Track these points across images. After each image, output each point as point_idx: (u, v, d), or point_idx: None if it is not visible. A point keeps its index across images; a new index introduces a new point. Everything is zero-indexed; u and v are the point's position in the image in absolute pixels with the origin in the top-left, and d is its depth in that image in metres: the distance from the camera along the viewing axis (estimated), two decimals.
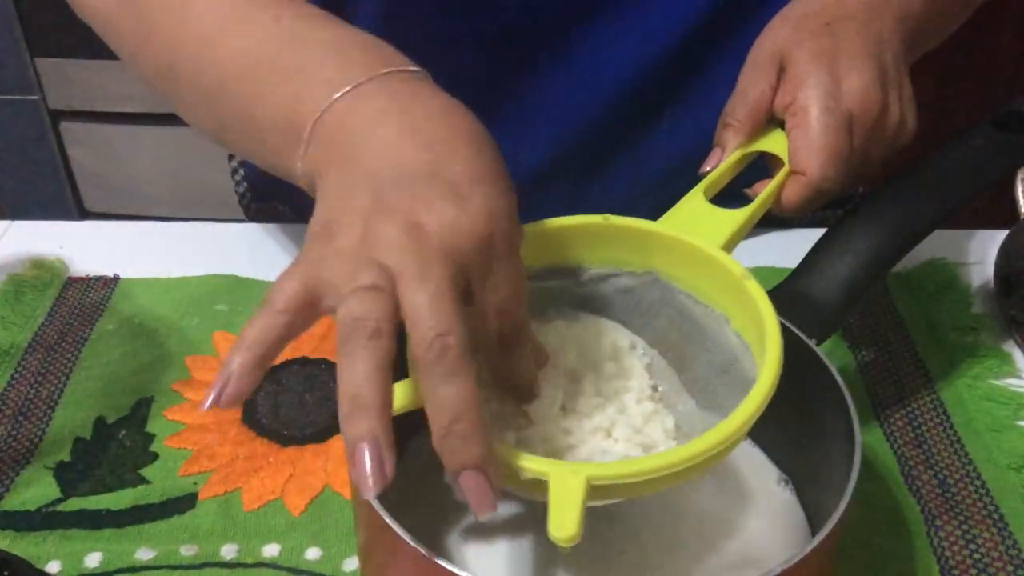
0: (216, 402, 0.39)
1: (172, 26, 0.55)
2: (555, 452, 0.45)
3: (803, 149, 0.55)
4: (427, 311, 0.37)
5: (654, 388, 0.50)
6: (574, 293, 0.52)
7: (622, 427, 0.47)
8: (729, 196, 0.55)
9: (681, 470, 0.41)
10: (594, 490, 0.39)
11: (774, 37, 0.59)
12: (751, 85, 0.58)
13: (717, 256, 0.49)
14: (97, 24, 0.63)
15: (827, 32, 0.58)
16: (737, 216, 0.52)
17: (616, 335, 0.51)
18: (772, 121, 0.58)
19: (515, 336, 0.42)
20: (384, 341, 0.37)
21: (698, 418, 0.50)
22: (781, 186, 0.56)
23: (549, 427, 0.46)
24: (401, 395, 0.41)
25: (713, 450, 0.41)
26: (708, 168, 0.57)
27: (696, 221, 0.51)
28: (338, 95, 0.46)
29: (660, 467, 0.40)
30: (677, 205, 0.52)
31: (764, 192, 0.55)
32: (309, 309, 0.39)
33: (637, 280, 0.51)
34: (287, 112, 0.48)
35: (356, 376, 0.37)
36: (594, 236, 0.50)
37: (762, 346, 0.45)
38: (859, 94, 0.56)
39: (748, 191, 0.56)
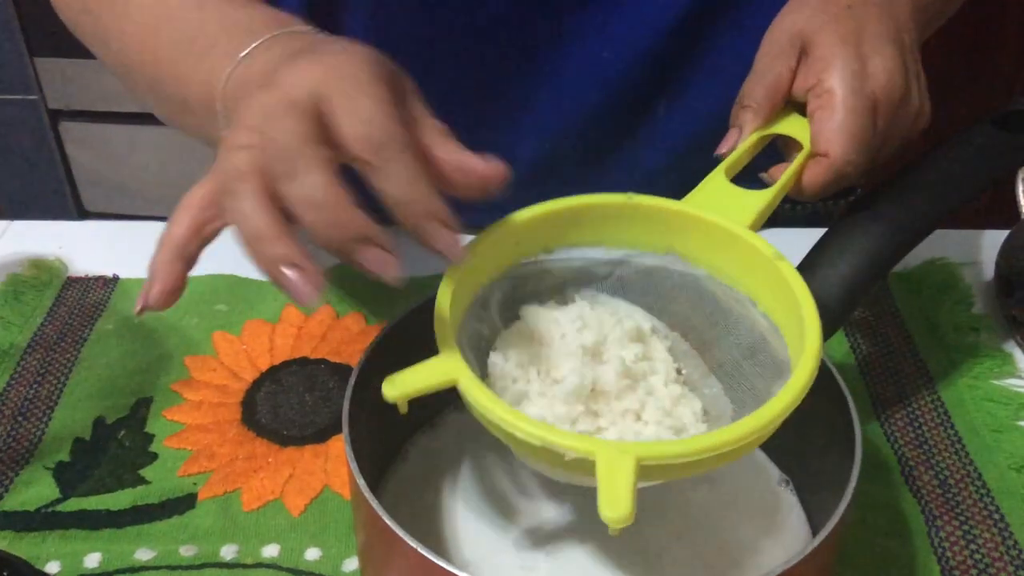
0: (145, 303, 0.43)
1: (118, 25, 0.61)
2: (584, 434, 0.45)
3: (827, 131, 0.54)
4: (281, 142, 0.41)
5: (678, 371, 0.49)
6: (593, 274, 0.51)
7: (652, 409, 0.46)
8: (744, 180, 0.54)
9: (727, 451, 0.41)
10: (641, 470, 0.39)
11: (794, 19, 0.58)
12: (770, 66, 0.57)
13: (746, 236, 0.48)
14: (73, 30, 0.68)
15: (850, 15, 0.57)
16: (763, 196, 0.51)
17: (637, 316, 0.50)
18: (789, 104, 0.58)
19: (385, 140, 0.42)
20: (255, 181, 0.41)
21: (725, 402, 0.49)
22: (801, 169, 0.55)
23: (576, 409, 0.45)
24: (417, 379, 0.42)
25: (757, 433, 0.41)
26: (724, 150, 0.56)
27: (720, 202, 0.50)
28: (234, 64, 0.51)
29: (709, 447, 0.40)
30: (699, 186, 0.51)
31: (786, 174, 0.54)
32: (213, 206, 0.43)
33: (657, 261, 0.50)
34: (206, 90, 0.53)
35: (246, 218, 0.41)
36: (616, 215, 0.50)
37: (795, 327, 0.45)
38: (884, 78, 0.55)
39: (765, 176, 0.55)
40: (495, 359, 0.47)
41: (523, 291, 0.50)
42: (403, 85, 0.46)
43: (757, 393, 0.47)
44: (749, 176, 0.55)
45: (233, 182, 0.41)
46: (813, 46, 0.56)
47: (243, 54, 0.51)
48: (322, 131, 0.42)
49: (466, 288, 0.47)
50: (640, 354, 0.48)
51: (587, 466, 0.39)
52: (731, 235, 0.49)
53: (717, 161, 0.54)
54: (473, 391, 0.42)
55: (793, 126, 0.57)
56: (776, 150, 0.58)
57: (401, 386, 0.42)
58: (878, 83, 0.55)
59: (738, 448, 0.41)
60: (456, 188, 0.45)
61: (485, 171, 0.44)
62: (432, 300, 0.45)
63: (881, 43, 0.56)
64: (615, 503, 0.37)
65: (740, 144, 0.56)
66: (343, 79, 0.43)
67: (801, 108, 0.57)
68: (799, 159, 0.55)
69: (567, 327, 0.48)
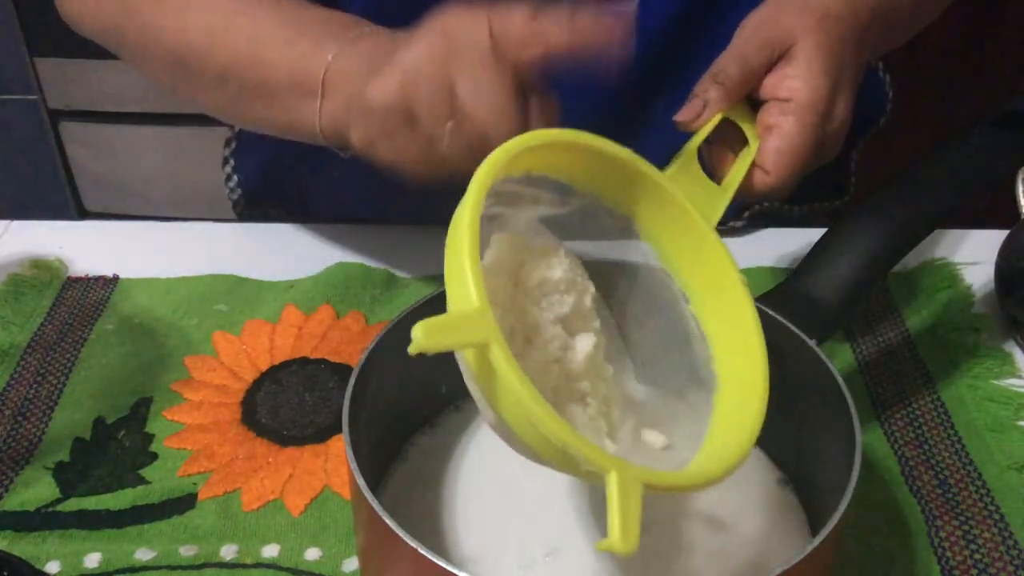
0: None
1: (176, 25, 0.63)
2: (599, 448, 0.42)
3: (777, 154, 0.55)
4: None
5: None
6: (553, 212, 0.48)
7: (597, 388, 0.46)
8: None
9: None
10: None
11: (788, 19, 0.58)
12: (753, 52, 0.57)
13: (713, 239, 0.48)
14: (98, 36, 0.69)
15: (840, 43, 0.57)
16: (726, 195, 0.52)
17: (571, 265, 0.48)
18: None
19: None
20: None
21: (638, 389, 0.49)
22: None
23: (552, 375, 0.45)
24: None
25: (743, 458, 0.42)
26: (684, 118, 0.55)
27: (691, 187, 0.50)
28: (332, 56, 0.57)
29: (707, 480, 0.41)
30: (674, 165, 0.51)
31: (737, 177, 0.54)
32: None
33: (613, 222, 0.49)
34: (297, 73, 0.58)
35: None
36: (598, 160, 0.48)
37: (737, 348, 0.45)
38: (839, 122, 0.57)
39: (703, 147, 0.55)
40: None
41: (496, 209, 0.47)
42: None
43: (669, 391, 0.47)
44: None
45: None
46: (796, 57, 0.56)
47: (332, 54, 0.57)
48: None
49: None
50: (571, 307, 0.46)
51: (591, 476, 0.39)
52: (695, 228, 0.48)
53: (683, 134, 0.54)
54: (504, 366, 0.38)
55: (743, 118, 0.57)
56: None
57: (436, 337, 0.37)
58: (833, 125, 0.57)
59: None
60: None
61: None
62: (432, 300, 0.44)
63: (851, 87, 0.58)
64: (627, 532, 0.37)
65: (707, 123, 0.55)
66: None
67: (754, 100, 0.57)
68: (745, 163, 0.55)
69: (559, 286, 0.46)
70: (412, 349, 0.37)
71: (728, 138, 0.56)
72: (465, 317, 0.38)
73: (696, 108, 0.56)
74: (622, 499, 0.37)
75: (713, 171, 0.54)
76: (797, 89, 0.56)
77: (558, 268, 0.46)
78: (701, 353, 0.48)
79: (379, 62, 0.53)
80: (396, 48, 0.52)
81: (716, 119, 0.55)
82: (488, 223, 0.44)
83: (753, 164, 0.55)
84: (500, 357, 0.38)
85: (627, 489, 0.37)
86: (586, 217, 0.49)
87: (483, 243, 0.44)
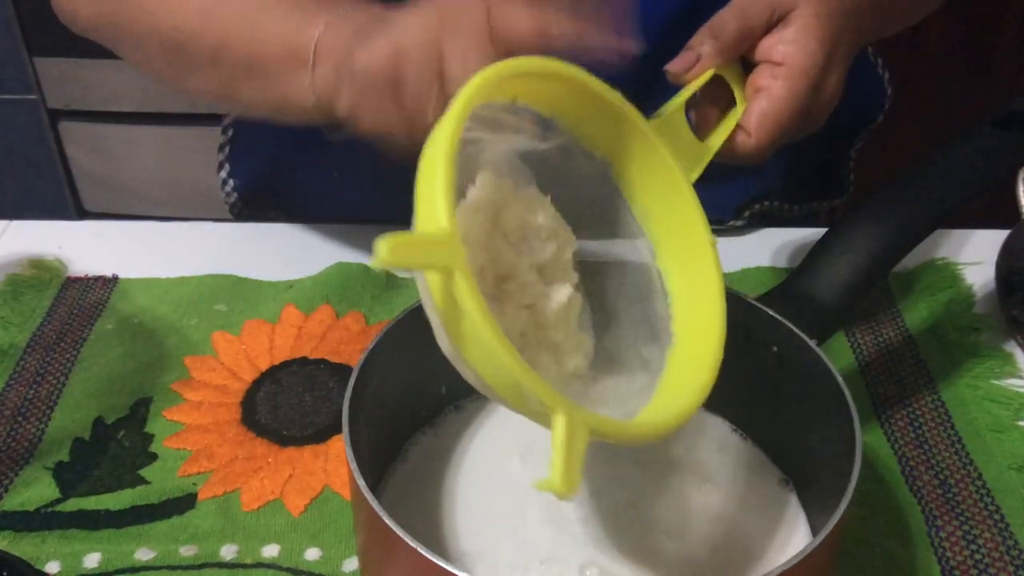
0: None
1: (170, 6, 0.63)
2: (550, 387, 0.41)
3: (763, 116, 0.55)
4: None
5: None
6: (533, 147, 0.47)
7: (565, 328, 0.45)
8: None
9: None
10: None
11: None
12: (754, 11, 0.56)
13: (691, 200, 0.48)
14: (92, 29, 0.69)
15: (839, 17, 0.57)
16: (707, 152, 0.52)
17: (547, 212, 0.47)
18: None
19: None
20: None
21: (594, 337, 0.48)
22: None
23: (521, 319, 0.44)
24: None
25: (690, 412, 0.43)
26: (676, 69, 0.55)
27: (675, 137, 0.50)
28: (324, 25, 0.56)
29: (652, 432, 0.41)
30: (662, 114, 0.50)
31: (721, 136, 0.54)
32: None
33: (590, 165, 0.48)
34: (289, 45, 0.58)
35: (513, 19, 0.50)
36: (583, 98, 0.46)
37: (691, 308, 0.46)
38: (828, 96, 0.57)
39: (688, 101, 0.54)
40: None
41: (475, 133, 0.45)
42: None
43: (626, 342, 0.47)
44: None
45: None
46: (794, 23, 0.56)
47: (327, 21, 0.56)
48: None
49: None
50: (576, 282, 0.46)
51: (540, 414, 0.38)
52: (674, 183, 0.48)
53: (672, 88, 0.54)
54: (466, 295, 0.37)
55: (733, 77, 0.56)
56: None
57: (400, 254, 0.36)
58: (822, 99, 0.57)
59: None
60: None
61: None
62: None
63: (844, 64, 0.58)
64: (568, 473, 0.36)
65: (699, 77, 0.55)
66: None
67: (746, 62, 0.57)
68: (731, 123, 0.55)
69: (540, 230, 0.45)
70: (374, 264, 0.35)
71: (717, 97, 0.56)
72: (431, 239, 0.37)
73: (689, 60, 0.55)
74: (567, 440, 0.36)
75: (698, 129, 0.54)
76: (791, 55, 0.55)
77: (541, 214, 0.45)
78: (661, 309, 0.48)
79: (371, 29, 0.53)
80: (389, 19, 0.53)
81: (707, 75, 0.55)
82: (466, 147, 0.43)
83: (737, 126, 0.55)
84: (463, 286, 0.37)
85: (573, 431, 0.37)
86: (564, 156, 0.48)
87: (466, 174, 0.43)
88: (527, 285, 0.44)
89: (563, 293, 0.45)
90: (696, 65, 0.55)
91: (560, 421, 0.37)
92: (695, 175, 0.50)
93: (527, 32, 0.50)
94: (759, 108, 0.55)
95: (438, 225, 0.37)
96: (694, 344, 0.46)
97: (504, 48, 0.49)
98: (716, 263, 0.47)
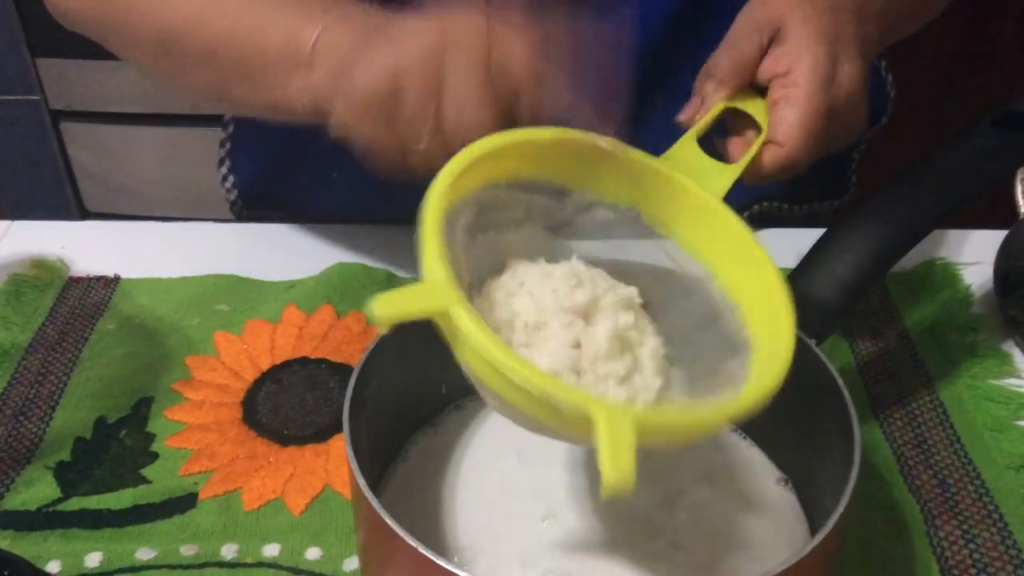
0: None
1: (157, 9, 0.63)
2: (583, 390, 0.43)
3: (787, 124, 0.55)
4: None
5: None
6: (553, 216, 0.50)
7: (637, 377, 0.45)
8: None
9: (718, 426, 0.41)
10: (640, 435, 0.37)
11: (774, 3, 0.59)
12: (741, 42, 0.58)
13: (719, 208, 0.48)
14: (87, 25, 0.68)
15: (829, 13, 0.58)
16: (732, 171, 0.52)
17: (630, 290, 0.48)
18: (752, 84, 0.58)
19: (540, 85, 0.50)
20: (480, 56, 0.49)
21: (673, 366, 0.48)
22: (758, 151, 0.55)
23: (562, 362, 0.44)
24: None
25: (749, 411, 0.41)
26: (684, 117, 0.56)
27: (692, 168, 0.50)
28: (322, 27, 0.55)
29: (706, 422, 0.40)
30: (671, 151, 0.51)
31: (748, 154, 0.55)
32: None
33: (617, 215, 0.50)
34: (285, 46, 0.57)
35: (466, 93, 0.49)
36: (587, 157, 0.48)
37: (762, 307, 0.45)
38: (848, 86, 0.57)
39: (718, 140, 0.56)
40: (479, 306, 0.44)
41: (485, 218, 0.48)
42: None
43: (710, 366, 0.47)
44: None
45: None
46: (788, 34, 0.57)
47: (323, 24, 0.56)
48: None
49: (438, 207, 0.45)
50: (631, 323, 0.47)
51: (581, 425, 0.37)
52: (703, 204, 0.48)
53: (683, 132, 0.54)
54: (469, 324, 0.38)
55: (752, 105, 0.57)
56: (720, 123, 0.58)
57: (393, 307, 0.38)
58: (842, 90, 0.57)
59: (727, 422, 0.41)
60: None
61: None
62: None
63: (854, 51, 0.57)
64: (618, 464, 0.35)
65: (706, 115, 0.56)
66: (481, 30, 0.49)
67: (761, 89, 0.57)
68: (758, 142, 0.55)
69: (560, 282, 0.46)
70: (370, 321, 0.37)
71: (745, 131, 0.57)
72: (421, 287, 0.38)
73: (695, 105, 0.57)
74: (611, 434, 0.35)
75: (732, 161, 0.55)
76: (794, 60, 0.56)
77: (562, 264, 0.47)
78: (732, 323, 0.47)
79: (371, 40, 0.52)
80: (390, 30, 0.52)
81: (716, 110, 0.56)
82: (487, 233, 0.45)
83: (766, 143, 0.55)
84: (459, 315, 0.38)
85: (614, 424, 0.36)
86: (588, 216, 0.49)
87: (490, 262, 0.46)
88: (566, 327, 0.44)
89: (606, 328, 0.45)
90: (701, 107, 0.56)
91: (599, 416, 0.36)
92: (721, 190, 0.50)
93: (524, 85, 0.50)
94: (781, 116, 0.55)
95: (430, 274, 0.39)
96: (769, 335, 0.46)
97: (503, 84, 0.49)
98: (767, 258, 0.47)
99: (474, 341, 0.38)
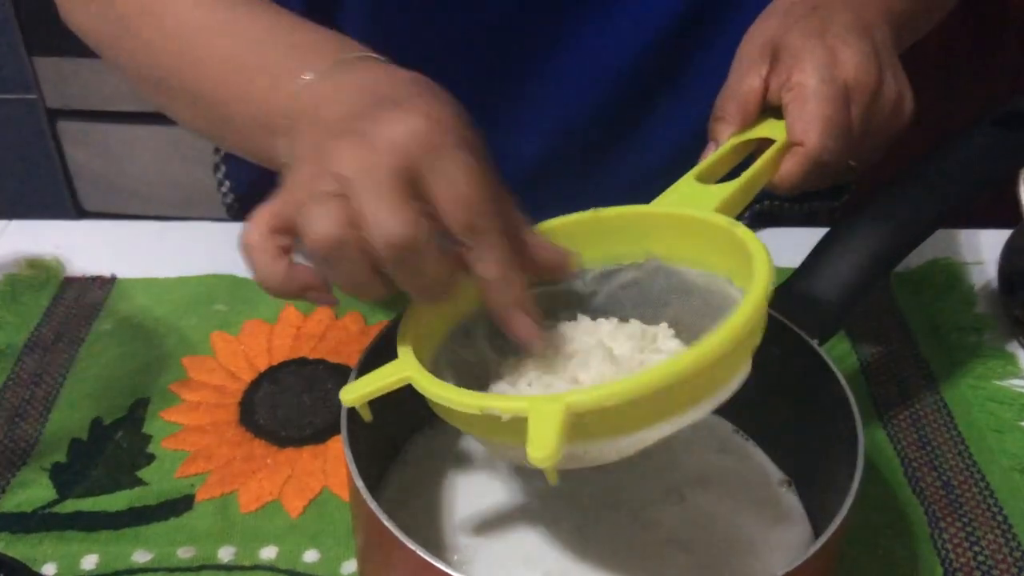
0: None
1: (151, 34, 0.60)
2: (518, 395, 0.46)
3: (801, 120, 0.54)
4: (383, 217, 0.40)
5: None
6: (581, 297, 0.51)
7: None
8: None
9: (668, 398, 0.39)
10: (579, 422, 0.38)
11: (763, 29, 0.59)
12: (740, 79, 0.58)
13: (705, 217, 0.48)
14: (92, 45, 0.66)
15: (816, 15, 0.58)
16: (725, 188, 0.51)
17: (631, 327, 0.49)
18: (767, 111, 0.58)
19: (484, 224, 0.42)
20: (351, 236, 0.41)
21: None
22: (776, 160, 0.55)
23: None
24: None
25: (696, 367, 0.39)
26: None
27: (687, 200, 0.50)
28: (303, 83, 0.50)
29: (639, 387, 0.38)
30: (668, 190, 0.51)
31: (754, 166, 0.54)
32: (285, 232, 0.44)
33: (640, 271, 0.50)
34: (261, 107, 0.52)
35: (352, 265, 0.42)
36: (587, 232, 0.50)
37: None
38: (854, 66, 0.55)
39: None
40: (505, 385, 0.47)
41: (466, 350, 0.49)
42: (481, 142, 0.45)
43: None
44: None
45: (332, 252, 0.42)
46: (782, 48, 0.57)
47: (309, 76, 0.50)
48: (415, 194, 0.42)
49: (441, 316, 0.48)
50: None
51: (524, 425, 0.38)
52: (694, 221, 0.48)
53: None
54: (421, 382, 0.43)
55: (774, 129, 0.57)
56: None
57: (356, 390, 0.44)
58: (848, 71, 0.55)
59: (680, 396, 0.40)
60: (534, 272, 0.46)
61: (562, 260, 0.47)
62: None
63: (848, 34, 0.56)
64: (542, 443, 0.37)
65: (717, 151, 0.56)
66: (438, 145, 0.42)
67: (778, 111, 0.57)
68: (770, 152, 0.54)
69: (602, 334, 0.48)
70: (344, 404, 0.44)
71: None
72: (381, 369, 0.44)
73: (709, 151, 0.57)
74: (536, 419, 0.38)
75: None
76: (791, 65, 0.56)
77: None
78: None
79: (356, 117, 0.45)
80: (379, 109, 0.44)
81: (728, 145, 0.56)
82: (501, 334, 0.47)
83: (790, 148, 0.55)
84: (417, 380, 0.43)
85: (543, 411, 0.38)
86: (606, 281, 0.51)
87: (504, 345, 0.48)
88: (560, 370, 0.46)
89: (592, 369, 0.46)
90: (717, 147, 0.57)
91: (527, 408, 0.38)
92: (725, 208, 0.50)
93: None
94: (795, 116, 0.54)
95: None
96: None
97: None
98: (747, 235, 0.46)
99: (429, 395, 0.43)
